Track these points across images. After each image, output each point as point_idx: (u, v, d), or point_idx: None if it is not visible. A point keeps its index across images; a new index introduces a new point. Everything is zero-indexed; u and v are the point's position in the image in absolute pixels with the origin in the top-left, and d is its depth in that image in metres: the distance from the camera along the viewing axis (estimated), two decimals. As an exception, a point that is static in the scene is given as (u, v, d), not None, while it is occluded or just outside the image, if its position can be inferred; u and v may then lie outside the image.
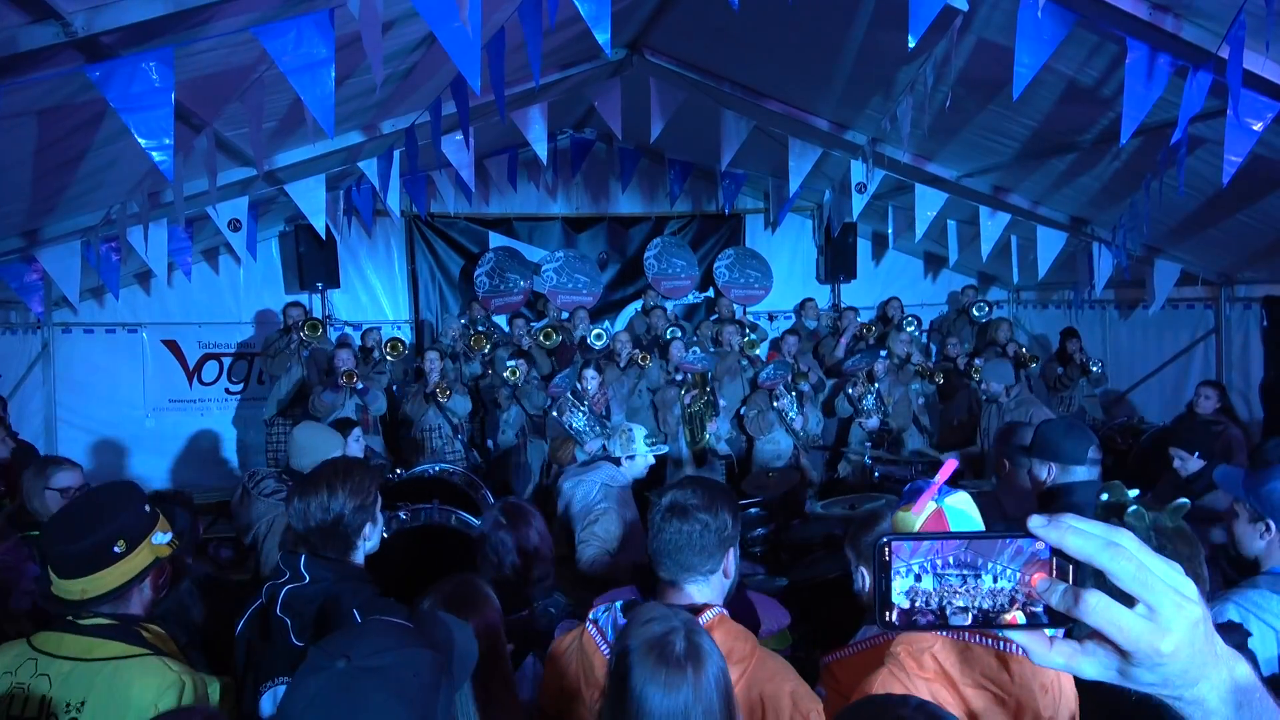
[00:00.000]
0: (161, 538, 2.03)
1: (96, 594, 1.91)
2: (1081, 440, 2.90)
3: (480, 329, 7.86)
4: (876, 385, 7.13)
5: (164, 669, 1.89)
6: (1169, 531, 2.03)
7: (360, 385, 6.38)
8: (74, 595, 1.91)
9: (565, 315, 8.43)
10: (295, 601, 2.10)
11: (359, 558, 2.26)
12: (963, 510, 1.94)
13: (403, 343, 7.45)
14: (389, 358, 7.18)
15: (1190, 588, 0.65)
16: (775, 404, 6.88)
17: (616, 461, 4.05)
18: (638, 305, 9.05)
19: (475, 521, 3.49)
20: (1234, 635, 1.99)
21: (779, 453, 6.94)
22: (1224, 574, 2.77)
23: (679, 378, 7.18)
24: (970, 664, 1.74)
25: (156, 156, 2.77)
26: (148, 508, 2.04)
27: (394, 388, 7.27)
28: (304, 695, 1.24)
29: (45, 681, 1.82)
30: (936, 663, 1.76)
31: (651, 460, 4.17)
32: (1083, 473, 2.87)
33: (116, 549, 1.93)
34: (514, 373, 6.86)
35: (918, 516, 1.70)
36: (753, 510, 4.99)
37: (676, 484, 1.97)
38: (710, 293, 9.29)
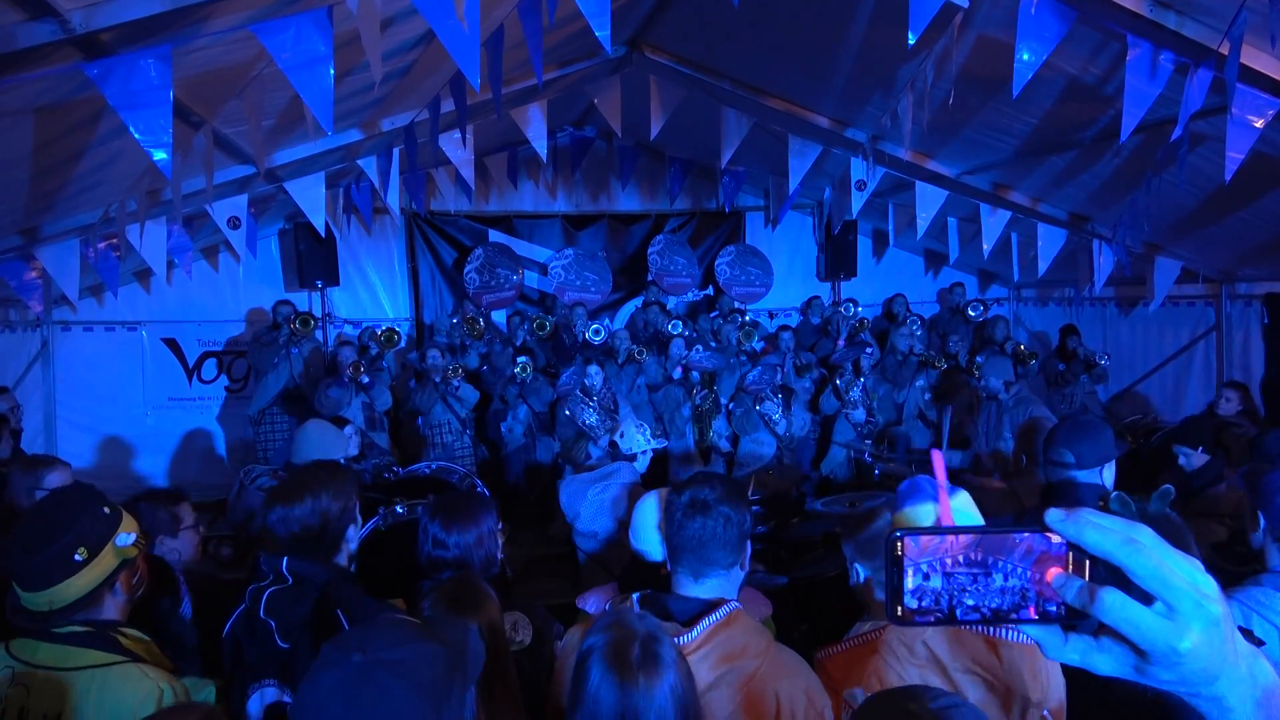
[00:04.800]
0: (125, 539, 1.97)
1: (64, 604, 1.87)
2: (1091, 444, 2.89)
3: (472, 317, 7.84)
4: (862, 379, 7.15)
5: (142, 678, 1.86)
6: (1154, 518, 2.03)
7: (365, 379, 6.38)
8: (42, 607, 1.86)
9: (563, 314, 8.43)
10: (278, 604, 2.08)
11: (342, 560, 2.25)
12: (965, 511, 1.95)
13: (397, 333, 7.40)
14: (384, 347, 7.11)
15: (1211, 585, 0.64)
16: (758, 407, 6.88)
17: (631, 458, 4.07)
18: (637, 301, 9.05)
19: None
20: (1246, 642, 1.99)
21: (760, 454, 6.94)
22: (1223, 570, 2.77)
23: (677, 374, 7.18)
24: (961, 650, 1.76)
25: (155, 154, 2.77)
26: (106, 509, 1.98)
27: (394, 384, 7.27)
28: (321, 688, 1.25)
29: (23, 691, 1.80)
30: (928, 649, 1.78)
31: (651, 454, 4.20)
32: (1084, 476, 2.86)
33: (77, 557, 1.87)
34: (524, 369, 6.86)
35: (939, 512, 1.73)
36: (752, 508, 4.99)
37: (692, 480, 1.96)
38: (710, 290, 9.30)
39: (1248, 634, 2.13)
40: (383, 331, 7.22)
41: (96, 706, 1.79)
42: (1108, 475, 2.90)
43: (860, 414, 7.12)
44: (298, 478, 2.24)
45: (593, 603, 2.65)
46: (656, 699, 1.45)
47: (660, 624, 1.61)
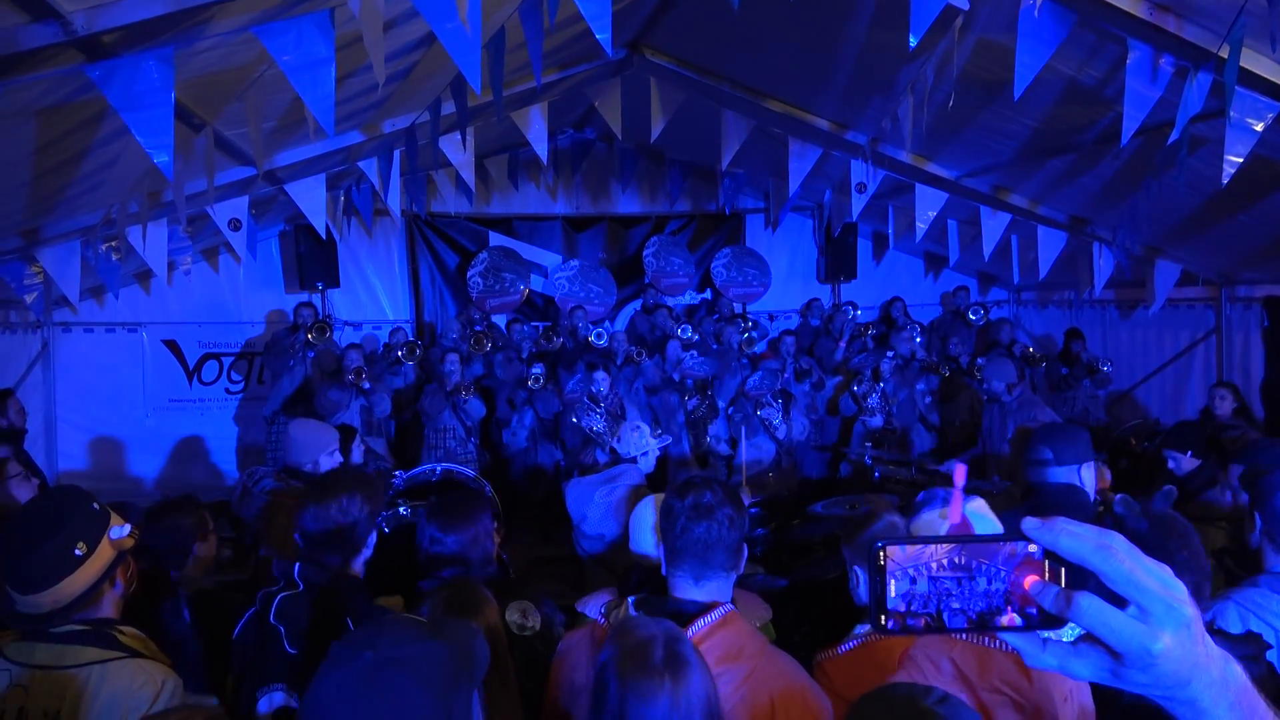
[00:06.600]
0: (119, 531, 2.00)
1: (67, 601, 1.87)
2: (1069, 443, 2.91)
3: (479, 329, 7.84)
4: (882, 384, 7.13)
5: (140, 672, 1.87)
6: (1159, 518, 2.04)
7: (367, 385, 6.39)
8: (44, 608, 1.87)
9: (567, 331, 8.41)
10: (288, 609, 2.09)
11: (359, 565, 2.27)
12: (982, 515, 1.95)
13: (420, 345, 7.43)
14: (404, 359, 7.12)
15: (1180, 589, 0.66)
16: (759, 412, 6.88)
17: (632, 461, 4.08)
18: (637, 305, 9.05)
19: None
20: (1251, 646, 1.98)
21: (760, 457, 6.95)
22: (1227, 572, 2.77)
23: (677, 375, 7.18)
24: (989, 669, 1.75)
25: (156, 156, 2.77)
26: (96, 506, 2.00)
27: (403, 384, 7.27)
28: (331, 687, 1.26)
29: (21, 692, 1.80)
30: (955, 667, 1.76)
31: (658, 451, 4.21)
32: (1063, 474, 2.89)
33: (77, 552, 1.88)
34: (536, 380, 6.90)
35: (950, 522, 1.72)
36: (752, 510, 4.99)
37: (690, 484, 1.95)
38: (708, 293, 9.30)
39: (1256, 638, 2.12)
40: (406, 344, 7.21)
41: (96, 701, 1.80)
42: (1086, 475, 2.92)
43: (878, 420, 7.09)
44: (339, 478, 2.28)
45: (593, 606, 2.65)
46: (684, 701, 1.42)
47: (674, 624, 1.60)
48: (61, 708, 1.79)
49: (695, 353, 7.37)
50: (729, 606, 1.83)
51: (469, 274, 8.47)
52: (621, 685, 1.44)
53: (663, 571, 1.95)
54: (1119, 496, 2.31)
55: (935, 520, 2.01)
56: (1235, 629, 2.21)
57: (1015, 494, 3.99)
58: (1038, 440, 2.95)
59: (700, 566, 1.87)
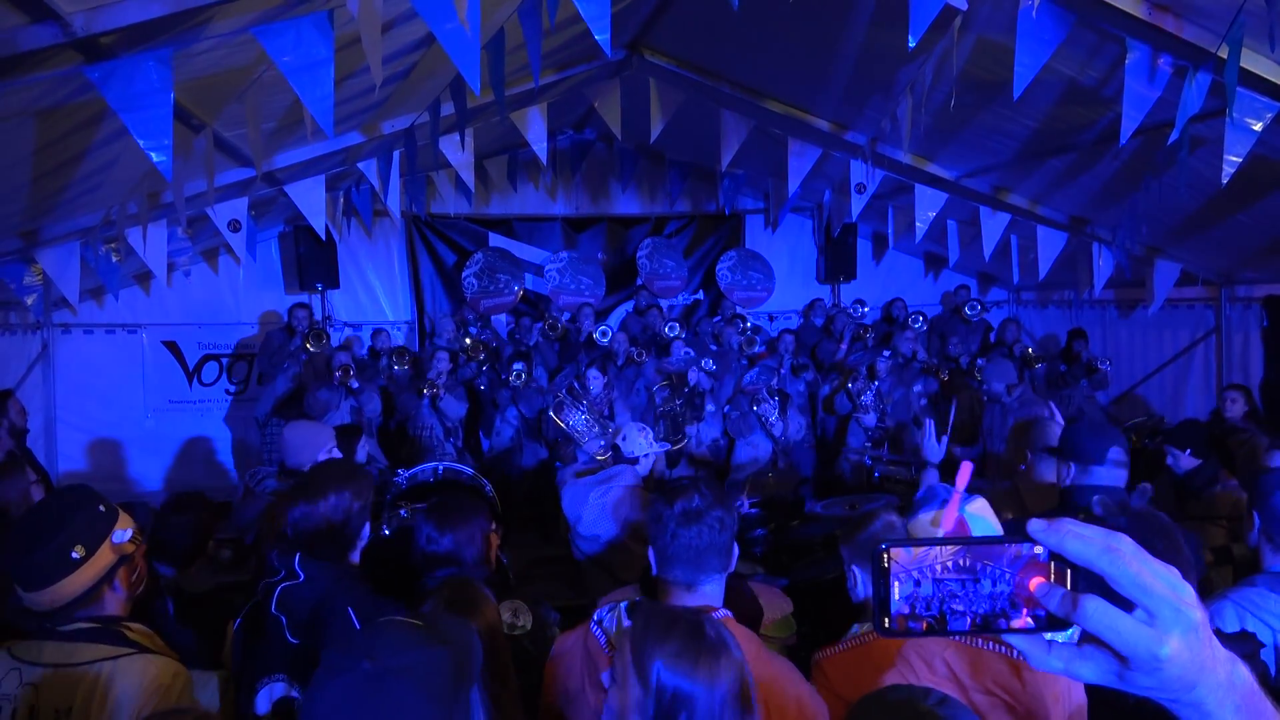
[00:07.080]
0: (122, 535, 2.00)
1: (65, 601, 1.88)
2: (1103, 440, 2.88)
3: (473, 331, 7.84)
4: (876, 383, 7.14)
5: (149, 666, 1.88)
6: (1139, 515, 2.04)
7: (355, 384, 6.38)
8: (44, 606, 1.88)
9: (567, 316, 8.42)
10: (290, 600, 2.10)
11: (355, 557, 2.28)
12: (981, 518, 1.94)
13: (410, 351, 7.43)
14: (395, 366, 7.14)
15: (1189, 592, 0.65)
16: (755, 408, 6.88)
17: (632, 461, 4.07)
18: (628, 306, 9.05)
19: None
20: (1246, 644, 1.98)
21: (756, 456, 6.94)
22: (1234, 570, 2.77)
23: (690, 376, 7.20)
24: (981, 670, 1.74)
25: (155, 157, 2.77)
26: (102, 507, 2.00)
27: (390, 388, 7.26)
28: (330, 697, 1.25)
29: (32, 691, 1.80)
30: (948, 667, 1.76)
31: (654, 457, 4.20)
32: (1102, 473, 2.85)
33: (75, 555, 1.88)
34: (519, 376, 6.88)
35: (943, 530, 1.71)
36: (752, 510, 4.99)
37: (675, 488, 1.93)
38: (701, 294, 9.29)
39: (1250, 636, 2.12)
40: (395, 350, 7.23)
41: (109, 698, 1.80)
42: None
43: (872, 418, 7.11)
44: (324, 476, 2.27)
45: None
46: (733, 676, 1.41)
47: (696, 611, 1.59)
48: (73, 705, 1.79)
49: (691, 350, 7.37)
50: (724, 612, 1.83)
51: (464, 274, 8.48)
52: (675, 673, 1.38)
53: (654, 573, 1.94)
54: (1096, 497, 2.30)
55: (928, 527, 2.00)
56: (1232, 628, 2.21)
57: (1014, 492, 3.96)
58: (1110, 440, 2.83)
59: (693, 572, 1.85)
